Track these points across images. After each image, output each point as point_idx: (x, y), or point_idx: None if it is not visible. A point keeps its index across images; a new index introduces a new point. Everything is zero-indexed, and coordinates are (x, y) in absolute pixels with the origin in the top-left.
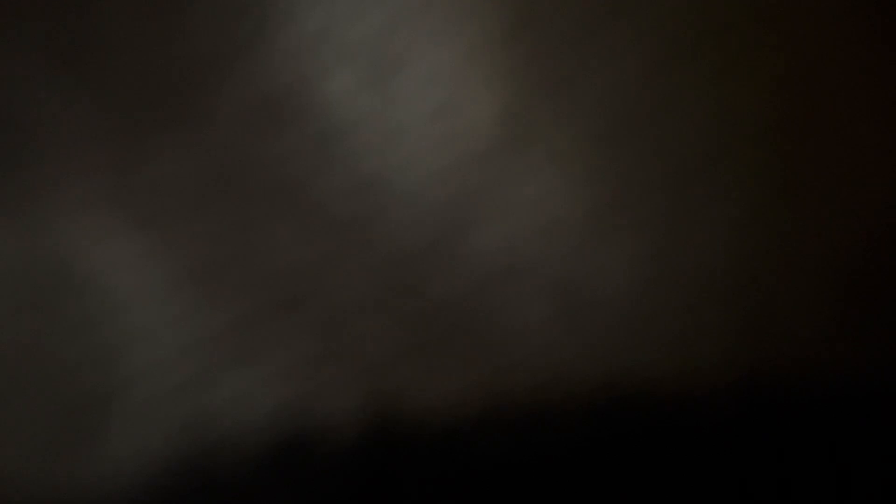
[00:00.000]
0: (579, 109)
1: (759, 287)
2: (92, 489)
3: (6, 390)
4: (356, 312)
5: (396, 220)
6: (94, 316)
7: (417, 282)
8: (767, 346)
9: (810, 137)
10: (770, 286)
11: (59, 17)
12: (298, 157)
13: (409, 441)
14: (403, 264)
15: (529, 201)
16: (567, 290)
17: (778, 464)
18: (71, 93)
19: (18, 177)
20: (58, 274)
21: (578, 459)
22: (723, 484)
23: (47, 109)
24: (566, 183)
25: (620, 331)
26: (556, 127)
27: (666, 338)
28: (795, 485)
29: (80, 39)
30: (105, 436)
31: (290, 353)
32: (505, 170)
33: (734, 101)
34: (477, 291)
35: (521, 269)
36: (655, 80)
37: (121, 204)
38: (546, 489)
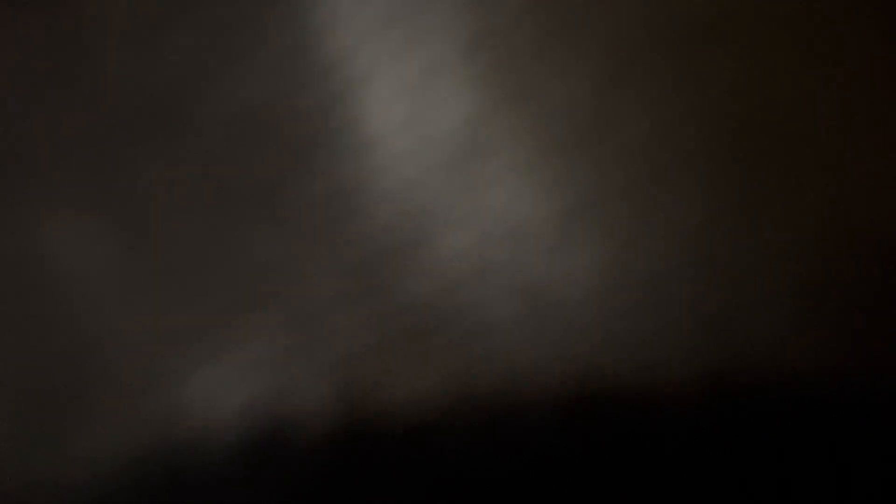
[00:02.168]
0: (538, 120)
1: (718, 287)
2: (65, 482)
3: None
4: (328, 310)
5: (368, 225)
6: (68, 313)
7: (388, 282)
8: (727, 345)
9: (761, 144)
10: (728, 287)
11: (50, 28)
12: (275, 165)
13: (380, 433)
14: (374, 266)
15: (494, 207)
16: (532, 292)
17: (737, 458)
18: (60, 101)
19: (2, 177)
20: (35, 271)
21: (543, 450)
22: (683, 475)
23: (37, 115)
24: (529, 190)
25: (584, 330)
26: (517, 137)
27: (627, 337)
28: (754, 479)
29: (70, 50)
30: (78, 429)
31: (262, 348)
32: (469, 178)
33: (686, 112)
34: (445, 292)
35: (487, 272)
36: (610, 92)
37: (100, 205)
38: (512, 479)
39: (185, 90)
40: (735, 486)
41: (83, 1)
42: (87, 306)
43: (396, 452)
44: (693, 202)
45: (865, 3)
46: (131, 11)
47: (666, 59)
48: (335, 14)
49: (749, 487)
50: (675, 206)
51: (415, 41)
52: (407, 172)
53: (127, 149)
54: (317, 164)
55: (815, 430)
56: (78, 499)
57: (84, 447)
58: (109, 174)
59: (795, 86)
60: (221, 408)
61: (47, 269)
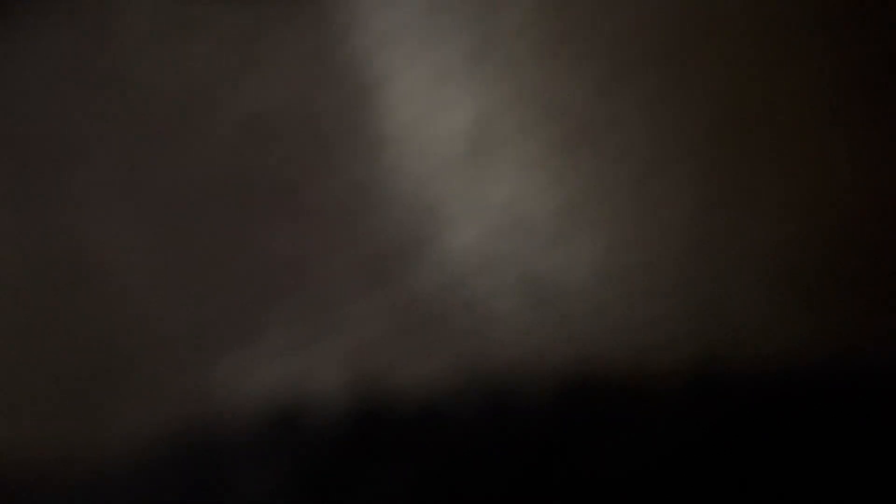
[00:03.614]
0: (540, 121)
1: (708, 276)
2: (102, 455)
3: (22, 365)
4: (343, 301)
5: (381, 220)
6: (105, 300)
7: (399, 275)
8: (716, 331)
9: (751, 141)
10: (717, 275)
11: (81, 36)
12: (294, 164)
13: (392, 413)
14: (387, 259)
15: (499, 203)
16: (533, 282)
17: (727, 437)
18: (91, 104)
19: (47, 181)
20: (75, 263)
21: (543, 428)
22: (673, 453)
23: (70, 117)
24: (532, 186)
25: (582, 318)
26: (520, 137)
27: (623, 323)
28: (743, 455)
29: (99, 58)
30: (114, 407)
31: (281, 336)
32: (477, 175)
33: (679, 112)
34: (453, 283)
35: (493, 264)
36: (607, 95)
37: (131, 203)
38: (514, 455)
39: (207, 92)
40: (725, 462)
41: (109, 12)
42: (123, 296)
43: (407, 431)
44: (685, 196)
45: (852, 4)
46: (155, 20)
47: (661, 63)
48: (352, 22)
49: (739, 464)
50: (669, 200)
51: (425, 47)
52: (418, 170)
53: (153, 149)
54: (333, 163)
55: (800, 410)
56: (114, 468)
57: (120, 423)
58: (139, 173)
59: (784, 85)
60: (245, 390)
61: (85, 261)
